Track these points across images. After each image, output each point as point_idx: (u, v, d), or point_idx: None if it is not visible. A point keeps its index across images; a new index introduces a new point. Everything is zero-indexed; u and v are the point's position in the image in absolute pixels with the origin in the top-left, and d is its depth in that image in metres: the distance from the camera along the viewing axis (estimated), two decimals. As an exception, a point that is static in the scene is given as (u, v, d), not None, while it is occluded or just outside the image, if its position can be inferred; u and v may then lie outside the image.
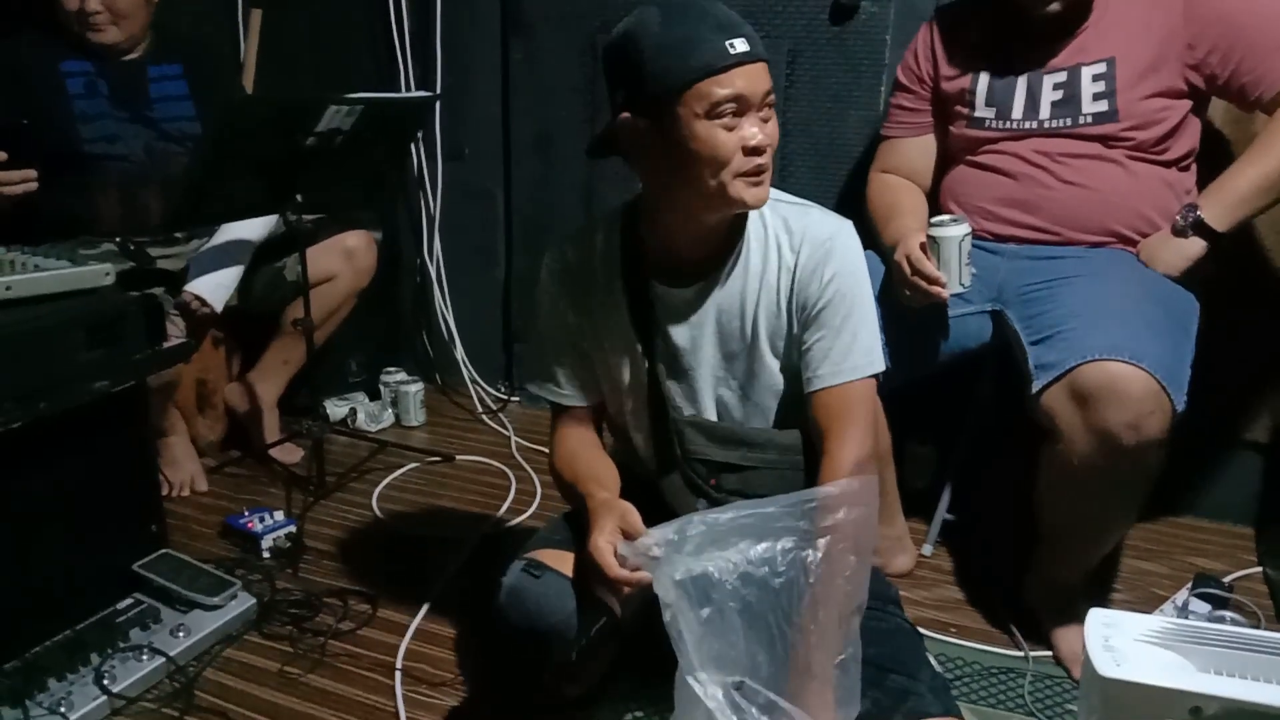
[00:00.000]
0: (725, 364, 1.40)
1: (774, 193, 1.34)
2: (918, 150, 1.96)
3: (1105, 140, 1.74)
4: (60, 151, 2.16)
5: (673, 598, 1.10)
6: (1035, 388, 1.57)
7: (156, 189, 2.26)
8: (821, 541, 1.12)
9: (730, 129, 1.21)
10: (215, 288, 2.21)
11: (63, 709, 1.51)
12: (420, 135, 2.81)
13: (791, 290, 1.35)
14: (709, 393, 1.41)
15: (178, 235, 2.31)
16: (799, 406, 1.40)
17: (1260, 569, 2.03)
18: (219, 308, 2.22)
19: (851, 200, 2.30)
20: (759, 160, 1.23)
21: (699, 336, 1.38)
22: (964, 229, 1.68)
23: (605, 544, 1.20)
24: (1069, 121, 1.75)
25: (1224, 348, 2.04)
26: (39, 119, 2.10)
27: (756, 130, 1.22)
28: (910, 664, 1.29)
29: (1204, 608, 1.73)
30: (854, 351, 1.34)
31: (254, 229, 2.28)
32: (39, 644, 1.63)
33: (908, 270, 1.68)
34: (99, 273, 1.71)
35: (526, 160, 2.80)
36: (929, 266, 1.67)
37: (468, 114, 2.83)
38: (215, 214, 2.22)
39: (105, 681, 1.58)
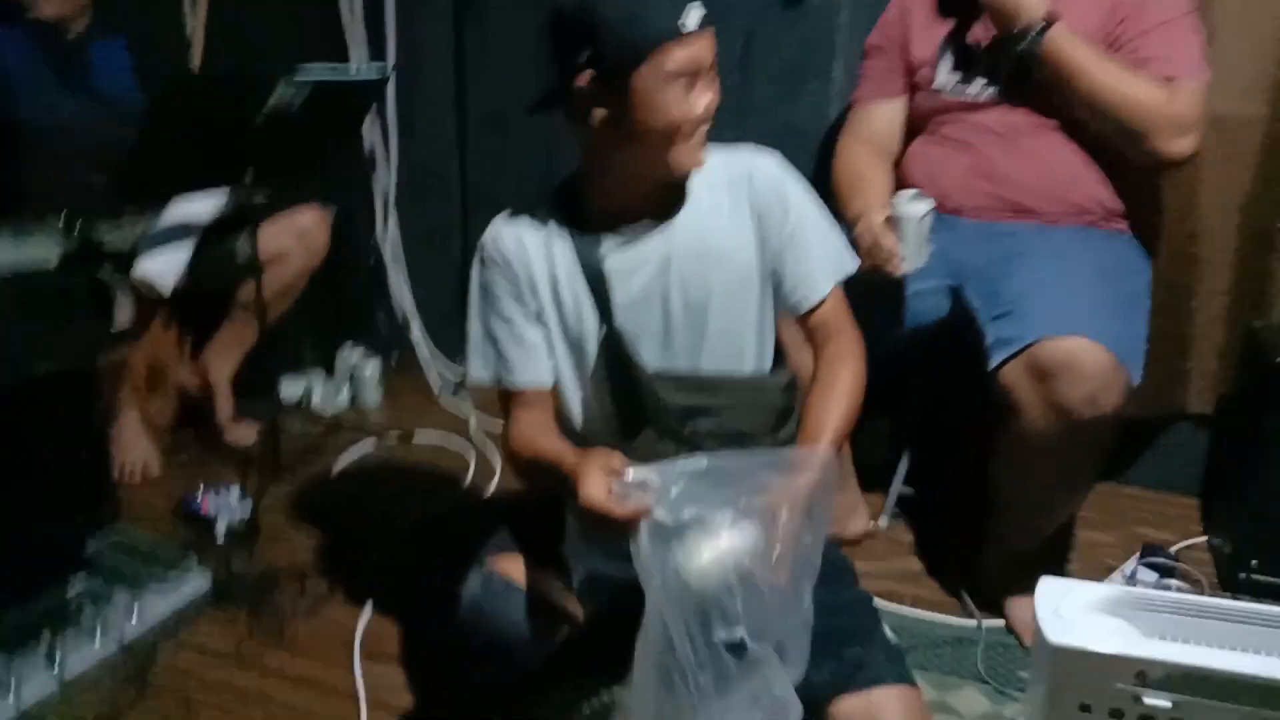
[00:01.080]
0: (695, 309, 1.39)
1: None
2: (889, 114, 1.95)
3: (1060, 112, 1.75)
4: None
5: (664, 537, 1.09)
6: (993, 363, 1.59)
7: (101, 165, 2.20)
8: (786, 501, 1.13)
9: (681, 97, 1.24)
10: (164, 268, 2.17)
11: (10, 688, 1.49)
12: (373, 110, 2.78)
13: (758, 223, 1.38)
14: (680, 341, 1.40)
15: (124, 215, 2.26)
16: (769, 343, 1.43)
17: (1205, 538, 2.08)
18: (168, 289, 2.17)
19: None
20: (704, 127, 1.28)
21: (665, 284, 1.37)
22: (925, 206, 1.69)
23: (596, 489, 1.15)
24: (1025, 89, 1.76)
25: (1171, 321, 2.10)
26: (-23, 94, 2.05)
27: (705, 100, 1.26)
28: (865, 634, 1.31)
29: (1151, 576, 1.78)
30: (830, 259, 1.41)
31: (203, 208, 2.24)
32: (-13, 626, 1.61)
33: (864, 246, 1.69)
34: (42, 253, 1.67)
35: (482, 138, 2.77)
36: (889, 240, 1.68)
37: (421, 91, 2.79)
38: (163, 191, 2.17)
39: (56, 662, 1.55)
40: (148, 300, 2.17)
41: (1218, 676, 0.93)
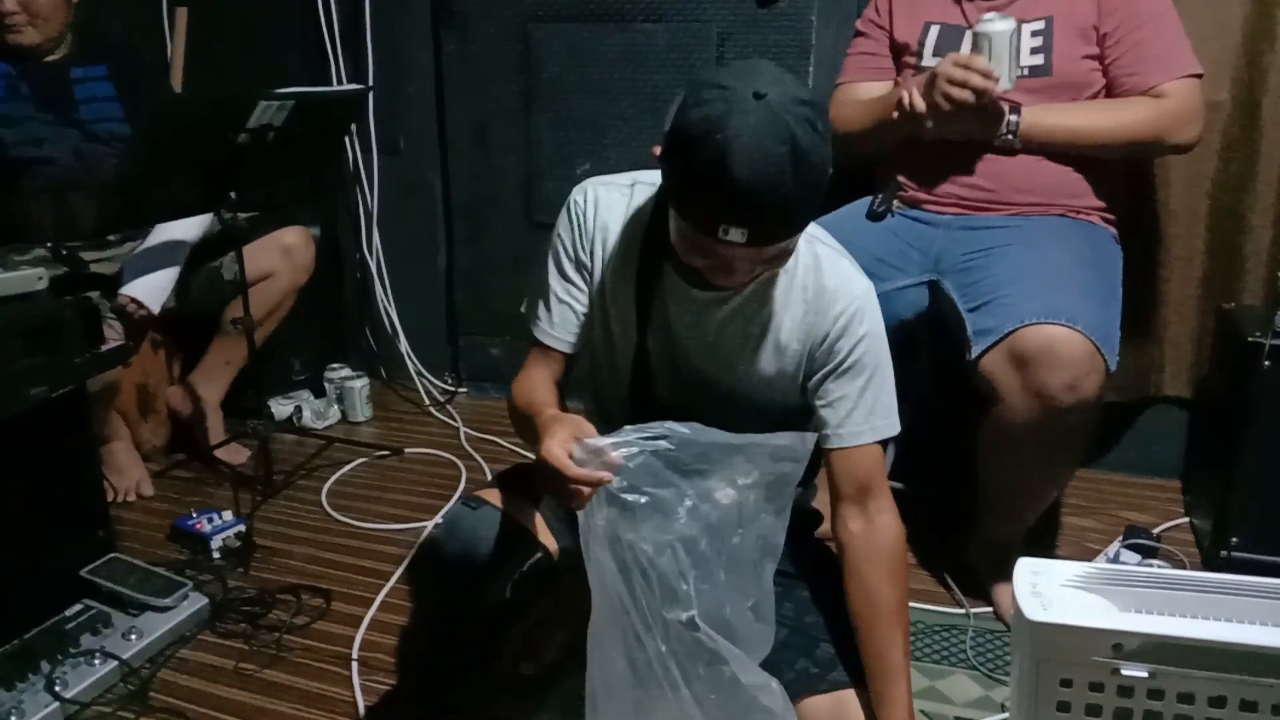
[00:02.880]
0: (718, 373, 1.36)
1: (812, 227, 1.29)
2: (876, 94, 1.96)
3: (1041, 92, 1.78)
4: (-16, 157, 2.12)
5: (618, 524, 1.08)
6: (974, 353, 1.62)
7: (87, 192, 2.22)
8: (751, 492, 1.14)
9: (701, 258, 1.18)
10: (151, 289, 2.19)
11: (13, 717, 1.50)
12: (354, 129, 2.80)
13: (815, 341, 1.32)
14: (693, 391, 1.38)
15: (111, 238, 2.28)
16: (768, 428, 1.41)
17: (1187, 519, 2.11)
18: (156, 309, 2.19)
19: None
20: (727, 278, 1.21)
21: (702, 340, 1.34)
22: (1012, 23, 1.68)
23: (559, 447, 1.11)
24: None
25: (1146, 307, 2.14)
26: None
27: (723, 278, 1.20)
28: (841, 633, 1.30)
29: (1134, 558, 1.81)
30: (877, 412, 1.32)
31: (189, 229, 2.26)
32: (-14, 654, 1.62)
33: (956, 74, 1.66)
34: (31, 278, 1.69)
35: (464, 151, 2.80)
36: (981, 60, 1.66)
37: (402, 106, 2.82)
38: (149, 215, 2.20)
39: (57, 688, 1.56)
40: (136, 322, 2.19)
41: (1191, 645, 0.95)
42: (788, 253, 1.18)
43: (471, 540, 1.33)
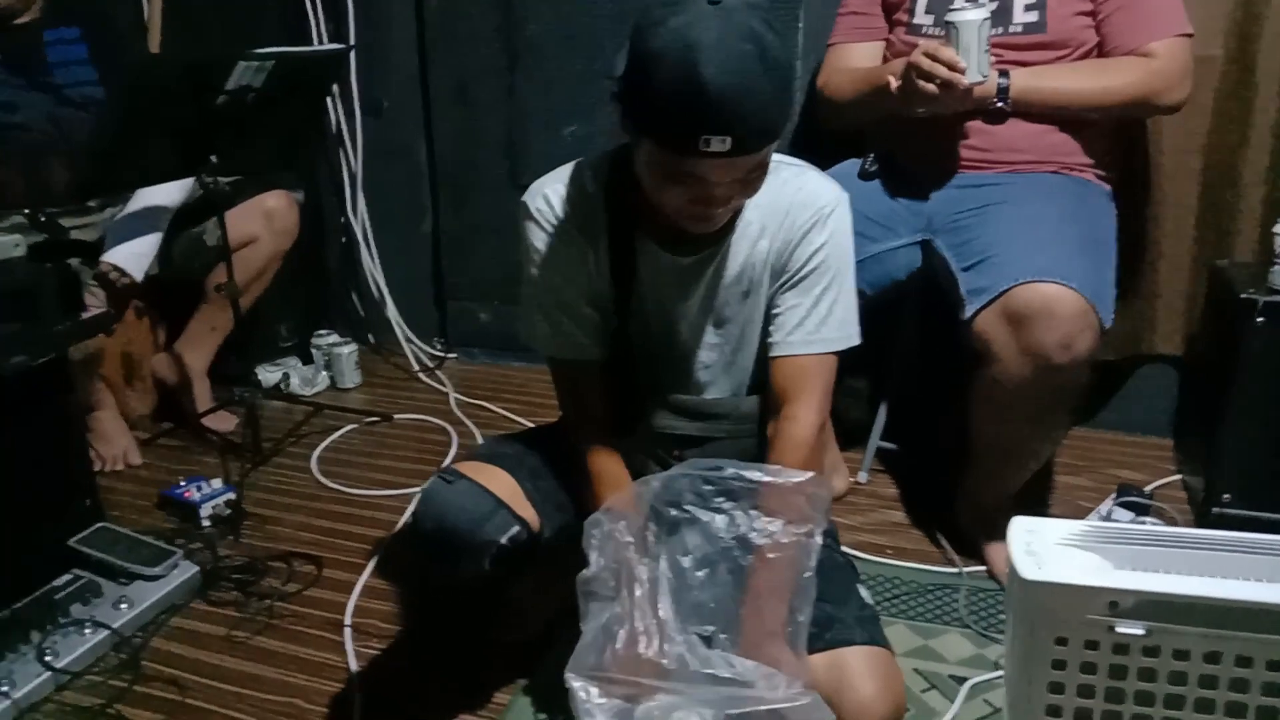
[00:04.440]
0: (718, 330, 1.35)
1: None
2: (867, 55, 1.94)
3: (1036, 49, 1.76)
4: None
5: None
6: (968, 313, 1.60)
7: (63, 157, 2.18)
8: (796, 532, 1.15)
9: (672, 191, 1.15)
10: (133, 256, 2.16)
11: (4, 688, 1.49)
12: (336, 90, 2.75)
13: (782, 253, 1.30)
14: (695, 359, 1.36)
15: (90, 204, 2.24)
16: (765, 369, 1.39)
17: (1179, 477, 2.12)
18: (139, 277, 2.16)
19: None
20: (705, 214, 1.18)
21: (694, 304, 1.33)
22: (983, 12, 1.64)
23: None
24: (1001, 29, 1.76)
25: (1138, 264, 2.13)
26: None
27: (700, 211, 1.16)
28: (838, 594, 1.28)
29: (1126, 516, 1.81)
30: (828, 323, 1.31)
31: (169, 194, 2.22)
32: (-27, 626, 1.61)
33: (925, 64, 1.64)
34: (8, 245, 1.66)
35: (448, 113, 2.75)
36: (948, 52, 1.63)
37: (384, 67, 2.77)
38: (128, 180, 2.16)
39: (48, 658, 1.56)
40: (119, 290, 2.16)
41: (1186, 602, 0.95)
42: (763, 169, 1.16)
43: (448, 515, 1.32)
